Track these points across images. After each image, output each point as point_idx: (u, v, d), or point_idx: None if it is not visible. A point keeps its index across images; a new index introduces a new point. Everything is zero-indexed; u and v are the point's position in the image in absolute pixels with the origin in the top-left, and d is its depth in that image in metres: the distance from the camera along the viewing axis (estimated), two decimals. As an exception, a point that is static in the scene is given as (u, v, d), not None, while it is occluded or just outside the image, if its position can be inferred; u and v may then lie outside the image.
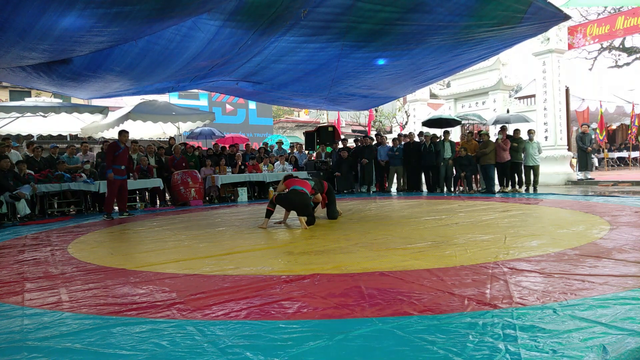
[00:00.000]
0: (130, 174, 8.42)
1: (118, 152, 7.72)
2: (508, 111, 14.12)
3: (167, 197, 10.64)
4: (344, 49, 5.98)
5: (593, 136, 14.72)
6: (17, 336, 2.06)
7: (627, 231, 4.20)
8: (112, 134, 11.63)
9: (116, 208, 8.43)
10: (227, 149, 12.28)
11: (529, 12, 4.95)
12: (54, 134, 12.20)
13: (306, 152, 13.45)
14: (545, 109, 12.70)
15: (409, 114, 19.25)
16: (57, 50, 4.61)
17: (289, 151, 13.31)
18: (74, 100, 14.61)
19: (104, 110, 10.09)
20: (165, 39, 4.98)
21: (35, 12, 3.61)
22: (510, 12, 4.97)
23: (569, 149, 12.86)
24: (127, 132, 8.04)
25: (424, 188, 11.21)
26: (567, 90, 12.98)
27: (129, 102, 14.37)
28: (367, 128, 25.05)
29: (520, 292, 2.39)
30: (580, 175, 12.52)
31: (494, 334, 1.82)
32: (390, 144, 12.05)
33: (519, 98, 17.26)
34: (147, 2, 3.79)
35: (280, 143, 13.94)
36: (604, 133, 16.73)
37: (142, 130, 12.98)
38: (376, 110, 26.72)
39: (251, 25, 4.96)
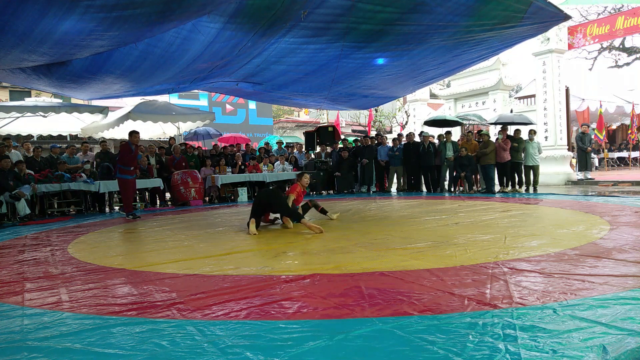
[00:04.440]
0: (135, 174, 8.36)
1: (130, 154, 7.58)
2: (512, 111, 14.10)
3: (167, 197, 10.64)
4: (344, 50, 5.97)
5: (592, 136, 14.73)
6: (17, 336, 2.06)
7: (627, 231, 4.20)
8: (112, 134, 11.66)
9: (116, 208, 8.44)
10: (227, 148, 12.29)
11: (529, 12, 4.94)
12: (54, 134, 12.21)
13: (305, 151, 13.45)
14: (545, 109, 12.71)
15: (409, 114, 19.24)
16: (57, 53, 4.60)
17: (288, 151, 13.31)
18: (74, 100, 14.60)
19: (104, 110, 10.10)
20: (165, 42, 4.98)
21: (35, 15, 3.60)
22: (510, 12, 4.96)
23: (569, 149, 12.87)
24: (137, 132, 7.81)
25: (424, 188, 11.22)
26: (567, 90, 12.99)
27: (129, 102, 14.38)
28: (367, 128, 25.06)
29: (520, 292, 2.39)
30: (580, 175, 12.52)
31: (494, 334, 1.82)
32: (390, 144, 12.05)
33: (519, 98, 17.27)
34: (148, 5, 3.78)
35: (280, 143, 13.95)
36: (604, 133, 16.74)
37: (142, 130, 12.97)
38: (376, 110, 26.73)
39: (251, 28, 4.96)
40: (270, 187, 5.74)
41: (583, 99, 16.13)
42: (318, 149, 13.32)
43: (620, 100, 18.00)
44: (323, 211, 6.09)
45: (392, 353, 1.70)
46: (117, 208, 8.46)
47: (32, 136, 12.02)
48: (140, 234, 5.58)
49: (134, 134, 7.70)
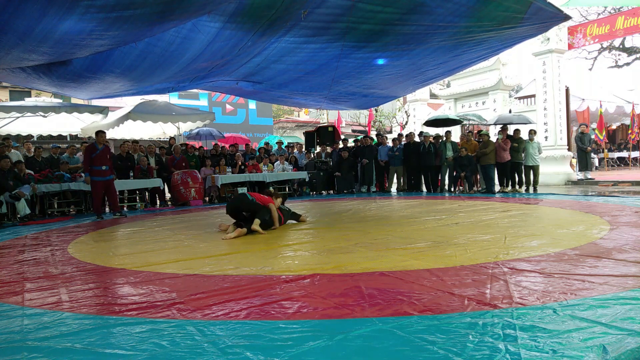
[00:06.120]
0: (114, 175, 8.16)
1: (95, 153, 7.67)
2: (510, 111, 14.11)
3: (167, 197, 10.64)
4: (344, 50, 5.98)
5: (592, 136, 14.72)
6: (17, 336, 2.06)
7: (627, 231, 4.20)
8: (112, 134, 11.67)
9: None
10: (227, 148, 12.29)
11: (529, 13, 4.95)
12: (54, 134, 12.22)
13: (305, 151, 13.44)
14: (545, 109, 12.71)
15: (409, 114, 19.25)
16: (58, 53, 4.61)
17: (288, 151, 13.30)
18: (74, 100, 14.62)
19: (104, 110, 10.10)
20: (165, 41, 4.98)
21: (35, 15, 3.60)
22: (510, 12, 4.97)
23: (569, 149, 12.87)
24: (104, 132, 7.95)
25: (424, 188, 11.22)
26: (567, 90, 12.99)
27: (129, 102, 14.39)
28: (367, 128, 25.06)
29: (520, 292, 2.39)
30: (580, 175, 12.52)
31: (494, 334, 1.82)
32: (390, 144, 12.06)
33: (519, 98, 17.27)
34: (148, 6, 3.78)
35: (280, 143, 13.95)
36: (604, 133, 16.73)
37: (142, 130, 12.99)
38: (376, 110, 26.73)
39: (251, 27, 4.96)
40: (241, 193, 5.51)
41: (583, 99, 16.13)
42: (318, 149, 13.31)
43: (620, 100, 18.00)
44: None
45: (392, 353, 1.70)
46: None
47: (32, 136, 12.02)
48: (140, 234, 5.58)
49: (100, 133, 7.84)
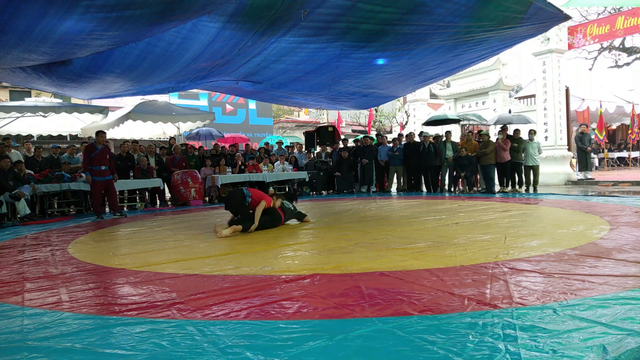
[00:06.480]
0: (114, 174, 8.08)
1: (94, 153, 7.67)
2: (510, 111, 14.12)
3: (167, 197, 10.64)
4: (344, 49, 5.98)
5: (592, 136, 14.72)
6: (17, 336, 2.06)
7: (627, 231, 4.20)
8: (112, 134, 11.66)
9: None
10: (227, 148, 12.29)
11: (529, 13, 4.95)
12: (54, 134, 12.21)
13: (305, 151, 13.44)
14: (545, 109, 12.71)
15: (409, 114, 19.26)
16: (58, 53, 4.61)
17: (288, 151, 13.30)
18: (74, 100, 14.62)
19: (104, 110, 10.09)
20: (165, 41, 4.98)
21: (35, 15, 3.60)
22: (510, 13, 4.97)
23: (569, 149, 12.87)
24: (104, 133, 7.95)
25: (424, 188, 11.22)
26: (567, 90, 12.99)
27: (129, 102, 14.39)
28: (367, 128, 25.07)
29: (520, 292, 2.39)
30: (580, 175, 12.52)
31: (494, 334, 1.82)
32: (390, 144, 12.06)
33: (519, 98, 17.28)
34: (148, 6, 3.78)
35: (280, 143, 13.95)
36: (604, 133, 16.73)
37: (142, 130, 12.99)
38: (376, 110, 26.74)
39: (251, 27, 4.96)
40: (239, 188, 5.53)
41: (583, 99, 16.14)
42: (318, 149, 13.31)
43: (620, 100, 18.00)
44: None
45: (392, 353, 1.70)
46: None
47: (32, 136, 12.04)
48: (140, 234, 5.58)
49: (99, 133, 7.85)
